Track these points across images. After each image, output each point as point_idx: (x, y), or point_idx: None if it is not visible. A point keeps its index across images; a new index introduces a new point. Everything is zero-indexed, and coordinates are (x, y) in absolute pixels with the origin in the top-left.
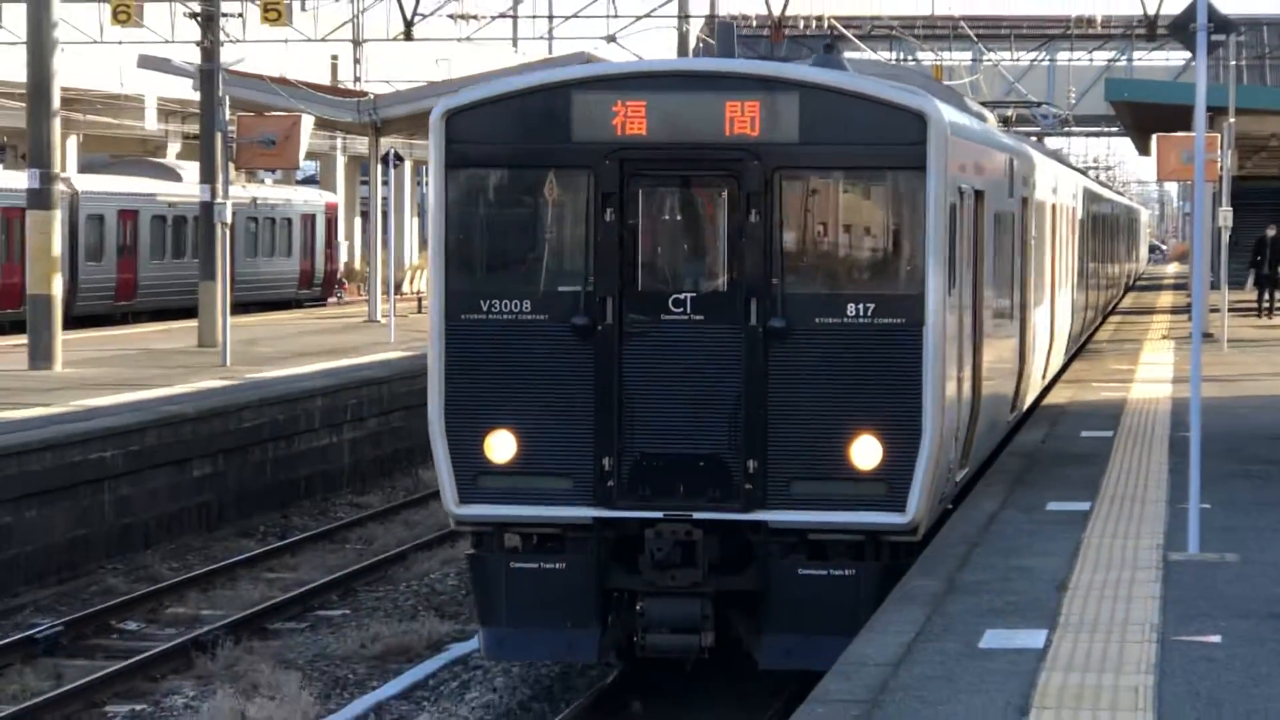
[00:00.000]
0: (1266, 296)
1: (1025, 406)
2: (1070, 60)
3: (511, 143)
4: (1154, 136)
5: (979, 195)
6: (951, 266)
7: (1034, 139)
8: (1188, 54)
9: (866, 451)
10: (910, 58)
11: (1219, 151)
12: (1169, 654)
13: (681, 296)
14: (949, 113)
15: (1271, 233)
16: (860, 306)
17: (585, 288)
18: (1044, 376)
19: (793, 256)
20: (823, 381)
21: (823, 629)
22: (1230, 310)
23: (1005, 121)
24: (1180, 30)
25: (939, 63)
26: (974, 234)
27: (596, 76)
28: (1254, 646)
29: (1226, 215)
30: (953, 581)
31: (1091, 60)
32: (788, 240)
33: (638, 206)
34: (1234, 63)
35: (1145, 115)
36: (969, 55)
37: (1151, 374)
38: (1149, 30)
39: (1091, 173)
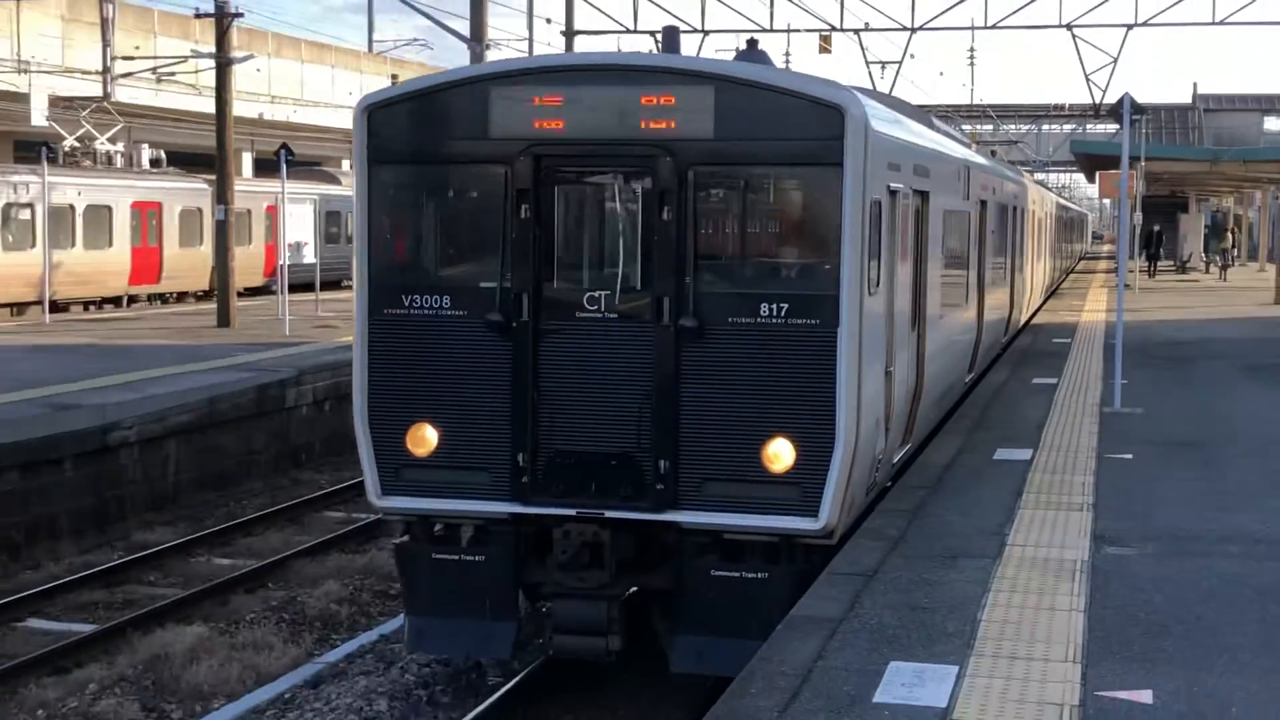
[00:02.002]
0: (1152, 265)
1: (1020, 325)
2: (1049, 128)
3: (432, 138)
4: (1098, 173)
5: (924, 196)
6: (877, 265)
7: (1028, 171)
8: (1117, 125)
9: (778, 454)
10: (956, 128)
11: (1134, 182)
12: (1103, 464)
13: (596, 294)
14: (874, 111)
15: (1156, 229)
16: (773, 307)
17: (501, 284)
18: (1029, 308)
19: (706, 254)
20: (735, 382)
21: (734, 631)
22: (1136, 271)
23: (997, 157)
24: (1114, 112)
25: (973, 130)
26: (916, 232)
27: (512, 71)
28: (1150, 459)
29: (1138, 217)
30: (977, 423)
31: (1062, 128)
32: (701, 238)
33: (553, 203)
34: (1144, 130)
35: (1093, 160)
36: (990, 126)
37: (1093, 306)
38: (1096, 111)
39: (1064, 192)
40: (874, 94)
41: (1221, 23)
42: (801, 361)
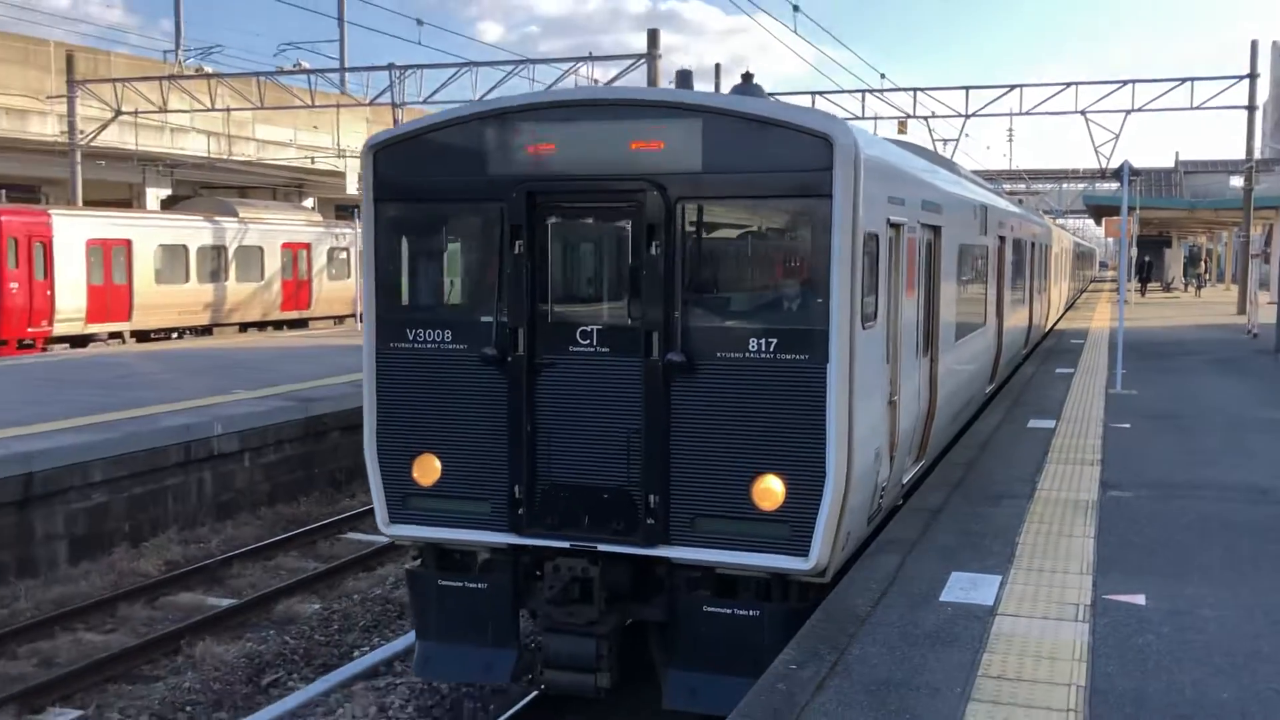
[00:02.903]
0: (1144, 287)
1: (1043, 333)
2: (1068, 186)
3: (433, 176)
4: (1104, 218)
5: (935, 230)
6: (874, 298)
7: (1051, 217)
8: (1119, 184)
9: (768, 491)
10: (998, 187)
11: (1131, 225)
12: (1108, 431)
13: (588, 329)
14: (868, 142)
15: (1147, 259)
16: (762, 342)
17: (497, 319)
18: (1051, 319)
19: (694, 288)
20: (723, 418)
21: (727, 668)
22: (1132, 291)
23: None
24: (1116, 175)
25: (1011, 187)
26: (927, 264)
27: (507, 109)
28: (1146, 428)
29: (1134, 251)
30: (1015, 401)
31: (1076, 186)
32: (689, 272)
33: (546, 239)
34: (1139, 187)
35: (1100, 209)
36: (1023, 185)
37: (1101, 316)
38: (1103, 174)
39: (1078, 233)
40: (895, 141)
41: (1198, 108)
42: (790, 397)
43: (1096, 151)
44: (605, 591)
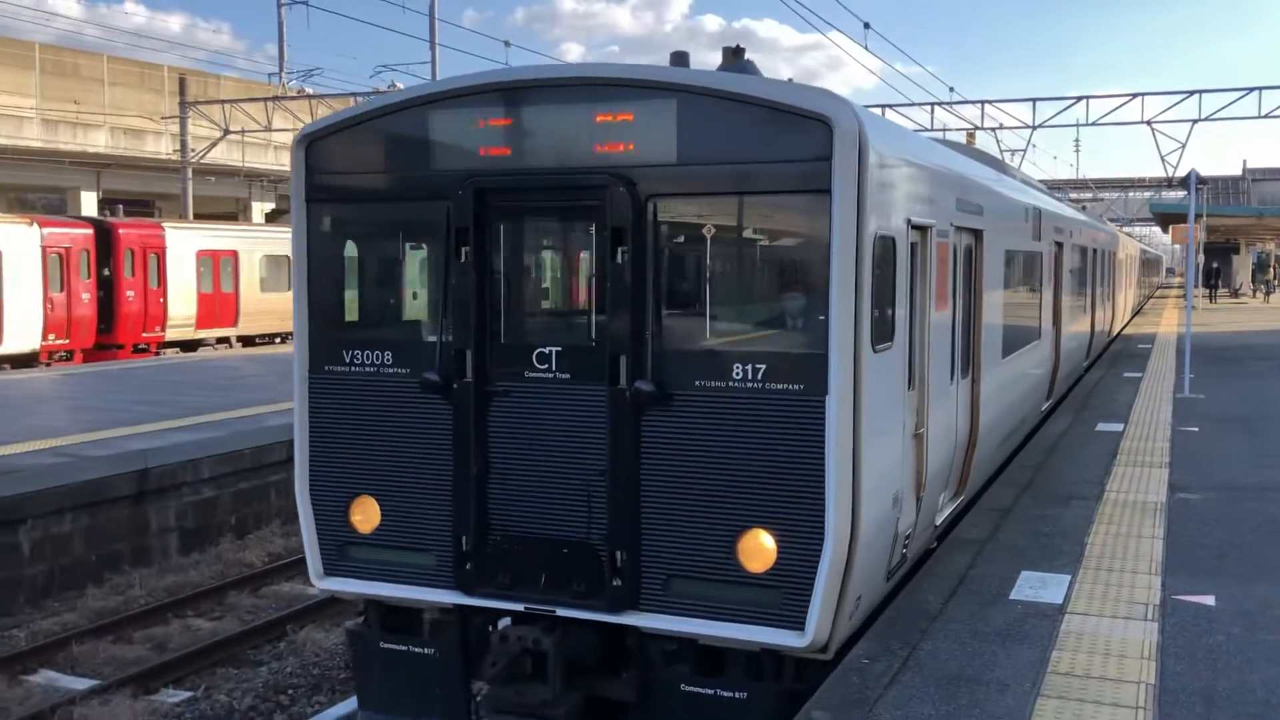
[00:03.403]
0: (1212, 293)
1: (1108, 341)
2: (1134, 194)
3: (373, 173)
4: (1171, 226)
5: (976, 235)
6: (889, 313)
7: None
8: (1185, 192)
9: (756, 550)
10: (1065, 197)
11: (1198, 233)
12: (1176, 434)
13: (546, 351)
14: (880, 129)
15: (1214, 265)
16: (748, 368)
17: (441, 339)
18: (1118, 325)
19: (669, 303)
20: (703, 459)
21: None
22: (1200, 296)
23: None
24: (1183, 183)
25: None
26: (966, 272)
27: (455, 91)
28: (1214, 432)
29: (1201, 258)
30: (1083, 405)
31: (1143, 194)
32: (663, 283)
33: (498, 243)
34: (1205, 195)
35: (1167, 217)
36: (1090, 194)
37: (1168, 322)
38: (1169, 183)
39: (1143, 241)
40: (935, 140)
41: (1265, 116)
42: (781, 436)
43: (1163, 160)
44: (563, 666)
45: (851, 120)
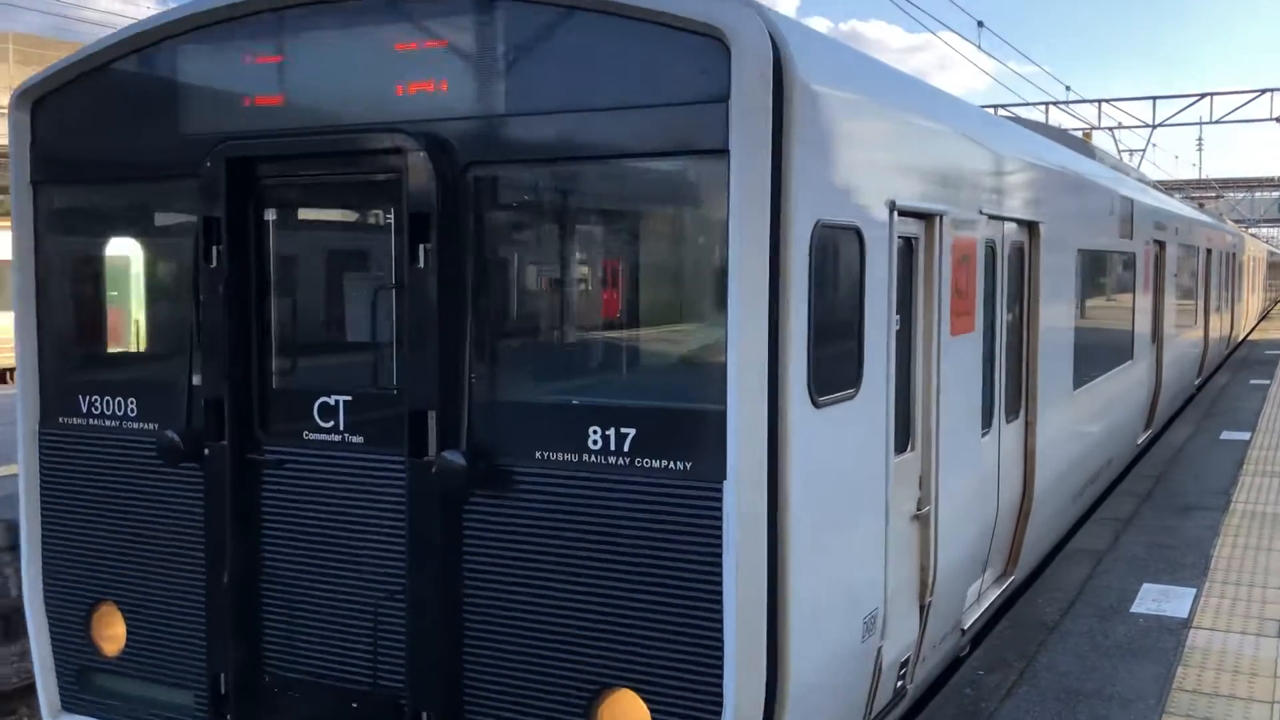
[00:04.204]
0: None
1: (1233, 346)
2: (1259, 194)
3: (117, 140)
4: None
5: (1030, 227)
6: (856, 345)
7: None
8: None
9: (622, 716)
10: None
11: None
12: None
13: (332, 401)
14: (823, 52)
15: None
16: (610, 434)
17: (190, 382)
18: (1236, 335)
19: (496, 331)
20: (545, 581)
21: None
22: None
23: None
24: None
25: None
26: (1012, 279)
27: (209, 13)
28: None
29: None
30: (1206, 413)
31: (1271, 194)
32: (488, 300)
33: (268, 240)
34: None
35: None
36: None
37: None
38: None
39: (1272, 242)
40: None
41: None
42: (657, 547)
43: None
44: None
45: (760, 36)
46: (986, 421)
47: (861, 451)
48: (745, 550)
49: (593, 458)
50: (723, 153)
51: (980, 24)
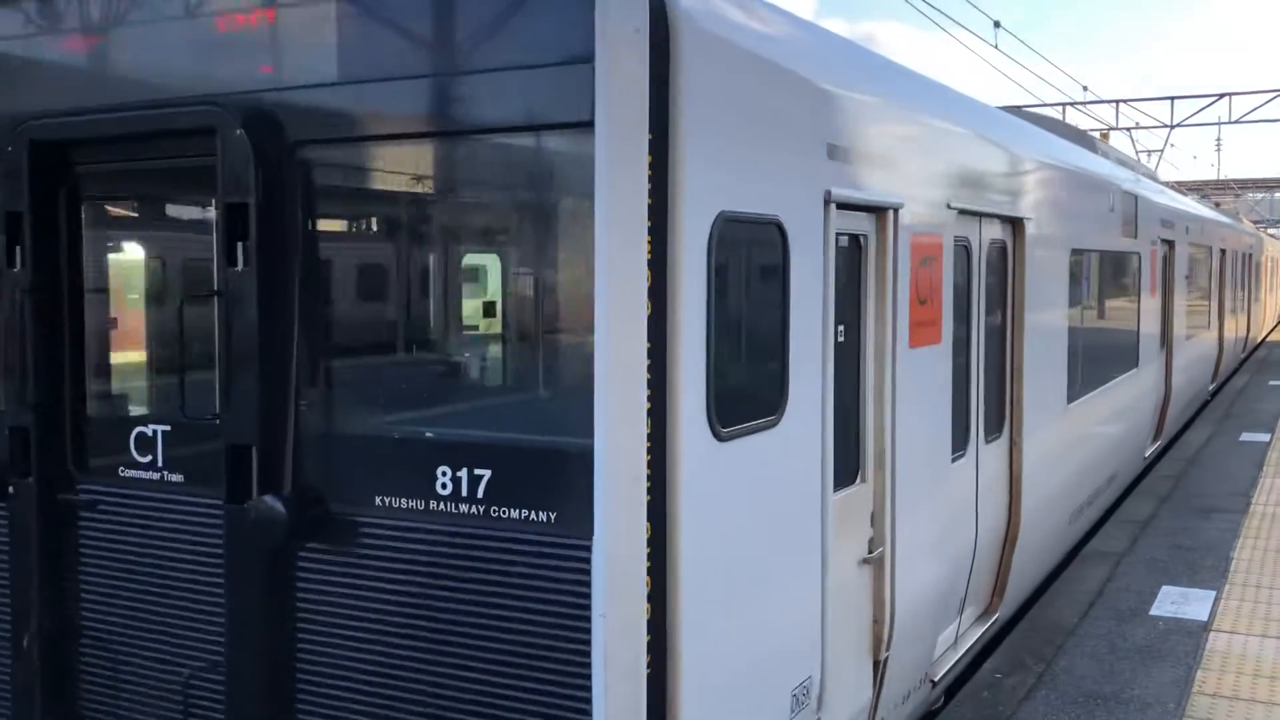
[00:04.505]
0: None
1: (1251, 348)
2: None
3: None
4: None
5: (1014, 225)
6: (780, 366)
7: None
8: None
9: None
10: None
11: None
12: None
13: (149, 431)
14: (725, 5)
15: None
16: (462, 476)
17: None
18: (1254, 337)
19: (328, 347)
20: (389, 647)
21: None
22: None
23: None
24: None
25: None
26: (995, 283)
27: None
28: None
29: None
30: (1225, 414)
31: None
32: (318, 310)
33: (80, 240)
34: None
35: None
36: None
37: None
38: None
39: None
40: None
41: None
42: (516, 617)
43: None
44: None
45: None
46: (960, 443)
47: (788, 490)
48: (618, 623)
49: (441, 505)
50: (587, 126)
51: (997, 24)
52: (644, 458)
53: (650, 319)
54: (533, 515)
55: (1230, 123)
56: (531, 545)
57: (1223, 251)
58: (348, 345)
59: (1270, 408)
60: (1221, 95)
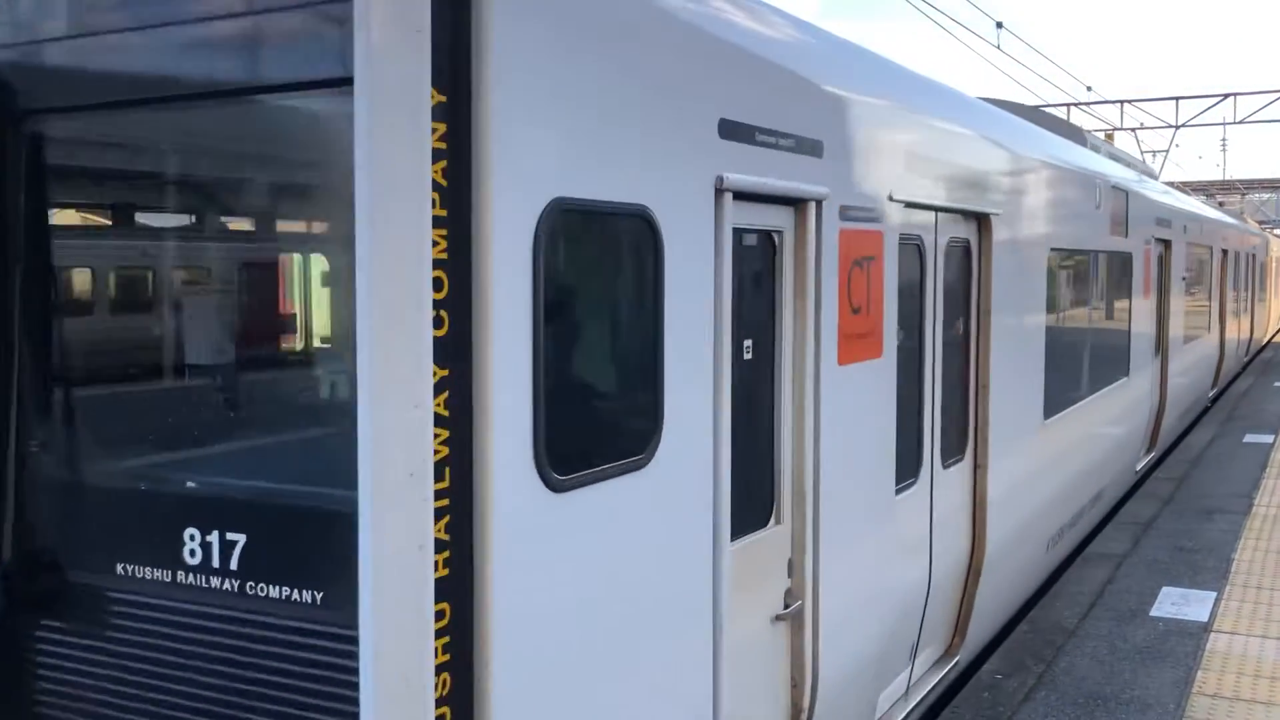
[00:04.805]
0: None
1: (1255, 349)
2: None
3: None
4: None
5: (980, 220)
6: (655, 390)
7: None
8: None
9: None
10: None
11: None
12: None
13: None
14: None
15: None
16: (213, 539)
17: None
18: (1258, 338)
19: (58, 371)
20: None
21: None
22: None
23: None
24: None
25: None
26: (957, 289)
27: None
28: None
29: None
30: (1229, 416)
31: None
32: (46, 325)
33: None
34: None
35: None
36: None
37: None
38: None
39: None
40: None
41: None
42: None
43: None
44: None
45: None
46: (909, 470)
47: (663, 545)
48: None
49: (190, 577)
50: (344, 83)
51: (999, 24)
52: (430, 518)
53: (447, 336)
54: (294, 594)
55: (1235, 123)
56: (292, 634)
57: (1224, 252)
58: (83, 369)
59: (1274, 409)
60: (1226, 95)
